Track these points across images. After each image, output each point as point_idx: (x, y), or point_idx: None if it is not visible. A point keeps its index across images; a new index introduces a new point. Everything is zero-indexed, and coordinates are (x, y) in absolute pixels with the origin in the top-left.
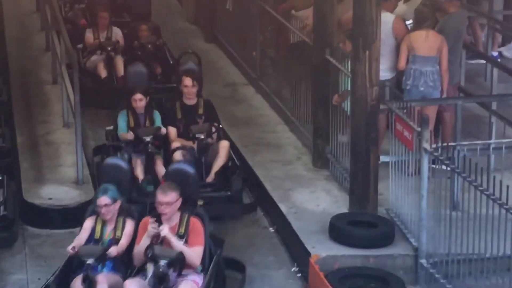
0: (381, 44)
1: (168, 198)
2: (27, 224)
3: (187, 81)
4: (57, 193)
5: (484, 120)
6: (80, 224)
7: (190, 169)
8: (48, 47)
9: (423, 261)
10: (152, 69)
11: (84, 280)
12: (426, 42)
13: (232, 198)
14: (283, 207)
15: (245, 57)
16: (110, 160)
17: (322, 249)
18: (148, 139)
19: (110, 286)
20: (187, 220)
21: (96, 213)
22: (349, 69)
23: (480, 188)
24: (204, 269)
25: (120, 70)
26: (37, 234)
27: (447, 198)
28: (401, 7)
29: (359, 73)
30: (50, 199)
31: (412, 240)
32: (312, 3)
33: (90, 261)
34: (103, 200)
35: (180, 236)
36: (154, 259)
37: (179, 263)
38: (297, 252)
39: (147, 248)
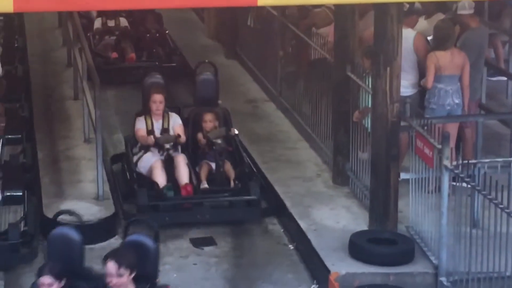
0: (402, 61)
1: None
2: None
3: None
4: (77, 208)
5: (505, 138)
6: (100, 240)
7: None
8: (70, 62)
9: (443, 279)
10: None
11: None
12: (452, 61)
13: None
14: (302, 224)
15: (266, 73)
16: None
17: (341, 266)
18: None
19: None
20: None
21: None
22: (370, 86)
23: (501, 206)
24: None
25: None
26: None
27: (467, 216)
28: (422, 23)
29: (380, 90)
30: None
31: (432, 258)
32: (332, 20)
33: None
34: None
35: None
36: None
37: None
38: (316, 269)
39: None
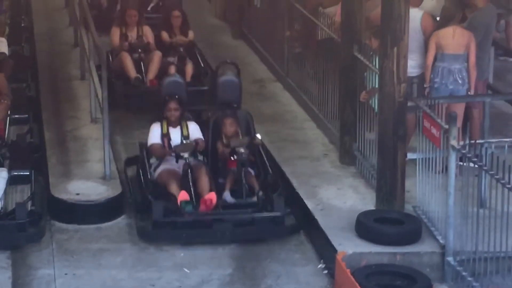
0: (409, 40)
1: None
2: (54, 219)
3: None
4: (84, 188)
5: None
6: (107, 219)
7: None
8: (77, 42)
9: (450, 258)
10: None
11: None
12: (454, 39)
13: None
14: (309, 204)
15: (273, 53)
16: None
17: (348, 246)
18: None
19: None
20: None
21: None
22: (377, 66)
23: (508, 185)
24: None
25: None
26: (65, 229)
27: (474, 196)
28: (428, 2)
29: (387, 70)
30: (78, 194)
31: (439, 237)
32: (339, 0)
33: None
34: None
35: None
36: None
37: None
38: (323, 249)
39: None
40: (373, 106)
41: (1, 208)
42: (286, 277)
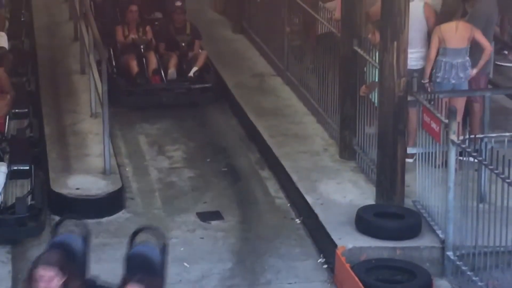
0: (412, 32)
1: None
2: (54, 214)
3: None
4: (84, 183)
5: None
6: (107, 214)
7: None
8: (76, 36)
9: (449, 253)
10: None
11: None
12: (457, 33)
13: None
14: (309, 199)
15: (273, 47)
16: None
17: (348, 240)
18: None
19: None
20: None
21: None
22: (377, 60)
23: (508, 180)
24: None
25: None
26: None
27: (474, 190)
28: None
29: (387, 64)
30: (78, 189)
31: (439, 232)
32: None
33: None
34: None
35: None
36: None
37: None
38: (323, 244)
39: None
40: (373, 100)
41: (1, 202)
42: (286, 272)
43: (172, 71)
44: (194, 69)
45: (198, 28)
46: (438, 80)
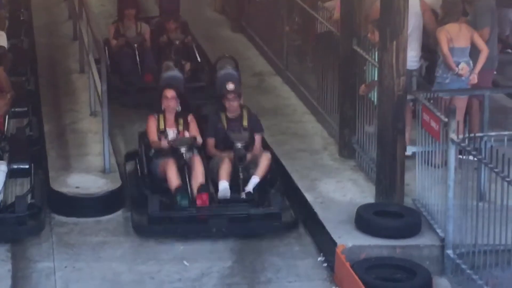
0: (411, 29)
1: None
2: (54, 213)
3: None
4: (84, 181)
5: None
6: (107, 212)
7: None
8: (76, 36)
9: (449, 251)
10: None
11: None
12: (461, 33)
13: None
14: (309, 197)
15: (273, 47)
16: None
17: (348, 239)
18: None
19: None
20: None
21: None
22: (376, 59)
23: (507, 179)
24: None
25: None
26: (64, 222)
27: (473, 189)
28: None
29: (386, 63)
30: (77, 187)
31: (438, 230)
32: None
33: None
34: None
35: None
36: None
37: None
38: (323, 242)
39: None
40: (372, 99)
41: (1, 201)
42: (285, 270)
43: (224, 186)
44: (254, 180)
45: (258, 118)
46: (446, 81)
